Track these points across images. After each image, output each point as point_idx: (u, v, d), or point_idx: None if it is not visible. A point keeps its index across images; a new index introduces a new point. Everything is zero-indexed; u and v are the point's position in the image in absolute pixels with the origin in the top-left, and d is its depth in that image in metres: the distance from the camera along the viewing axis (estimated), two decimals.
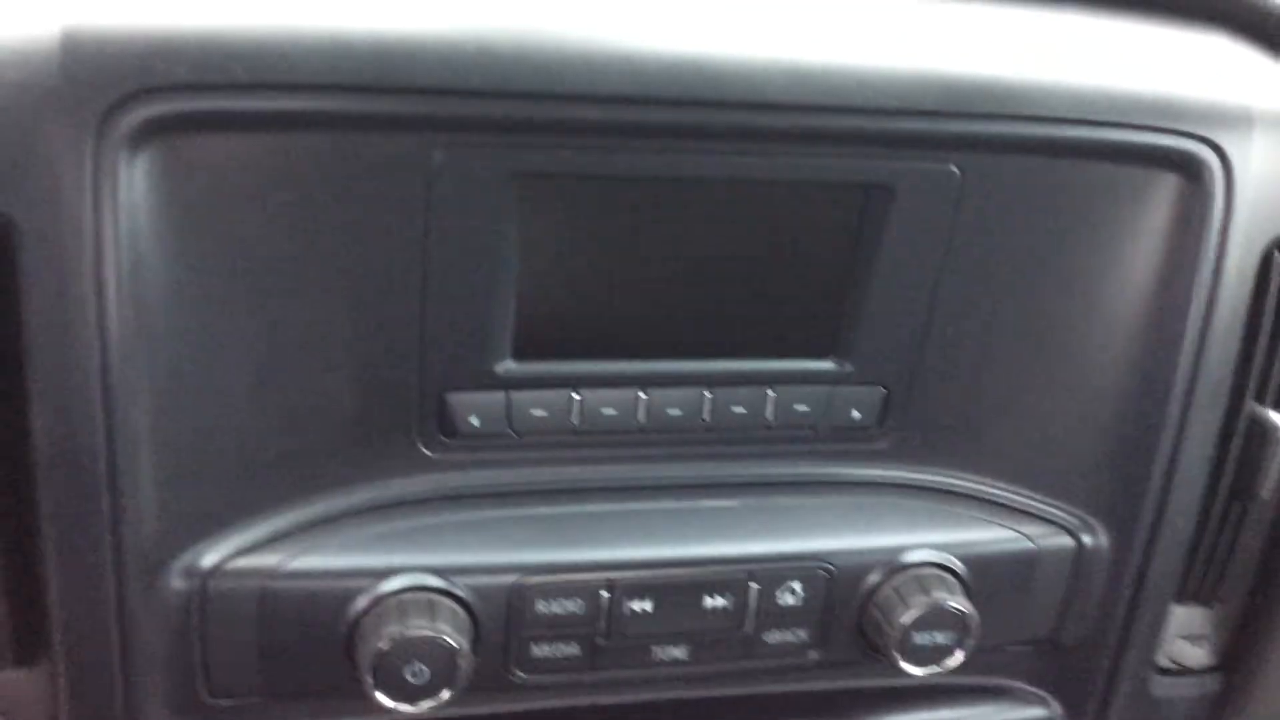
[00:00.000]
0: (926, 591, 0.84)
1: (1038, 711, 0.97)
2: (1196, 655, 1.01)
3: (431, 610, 0.76)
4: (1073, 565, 0.91)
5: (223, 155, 0.68)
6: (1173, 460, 0.88)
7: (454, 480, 0.82)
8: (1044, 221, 0.82)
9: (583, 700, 0.88)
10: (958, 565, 0.87)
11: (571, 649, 0.82)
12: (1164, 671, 0.99)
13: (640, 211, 0.77)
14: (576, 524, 0.83)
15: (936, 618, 0.84)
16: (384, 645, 0.75)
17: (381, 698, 0.76)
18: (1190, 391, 0.86)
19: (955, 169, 0.78)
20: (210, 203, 0.69)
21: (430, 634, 0.75)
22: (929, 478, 0.90)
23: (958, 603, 0.84)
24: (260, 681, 0.78)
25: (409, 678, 0.76)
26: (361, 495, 0.80)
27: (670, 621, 0.83)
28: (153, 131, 0.65)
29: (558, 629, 0.81)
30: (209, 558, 0.76)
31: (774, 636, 0.86)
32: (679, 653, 0.84)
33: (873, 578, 0.85)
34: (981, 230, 0.81)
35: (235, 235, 0.71)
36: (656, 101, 0.71)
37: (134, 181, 0.66)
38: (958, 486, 0.90)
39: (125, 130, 0.64)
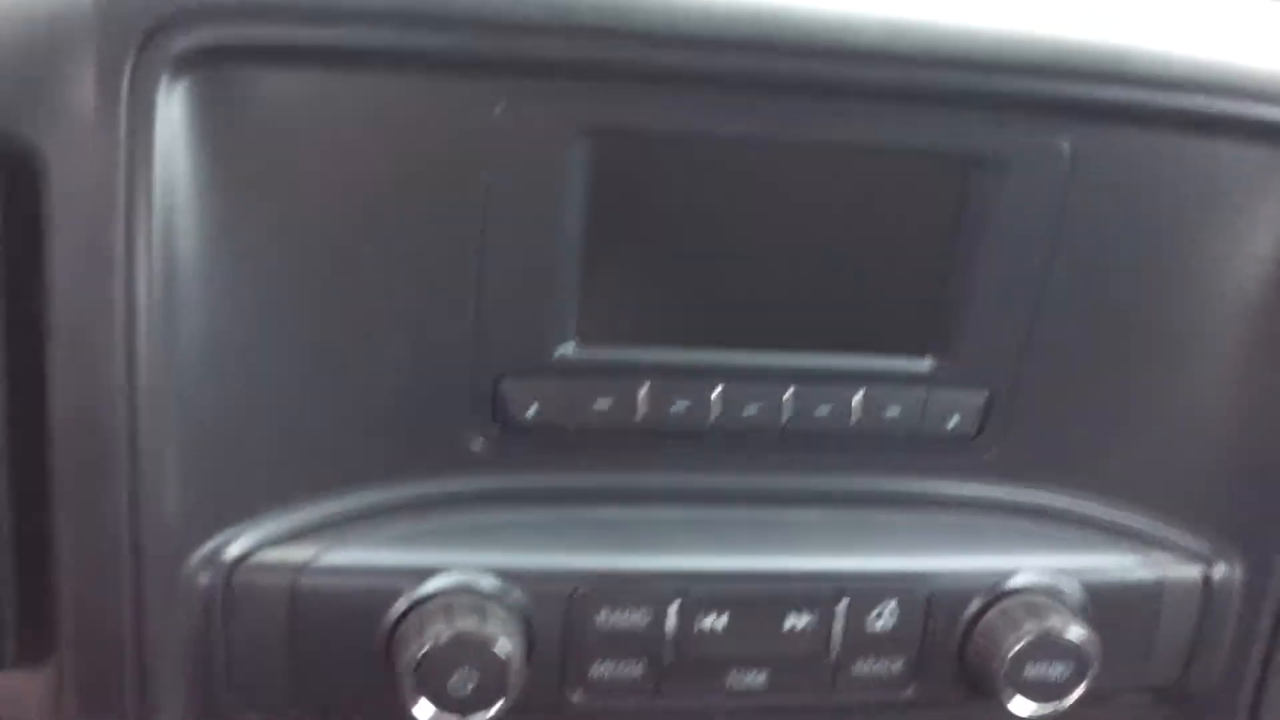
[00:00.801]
0: (1040, 617, 0.74)
1: None
2: None
3: (482, 614, 0.68)
4: (1202, 599, 0.80)
5: (266, 95, 0.63)
6: None
7: (508, 478, 0.74)
8: (1163, 206, 0.74)
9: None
10: (1074, 591, 0.77)
11: (635, 669, 0.73)
12: None
13: (722, 180, 0.70)
14: (643, 530, 0.74)
15: (1051, 647, 0.74)
16: (427, 647, 0.67)
17: (423, 707, 0.67)
18: None
19: (1066, 143, 0.71)
20: (251, 149, 0.64)
21: (480, 636, 0.67)
22: (1036, 498, 0.80)
23: (1077, 630, 0.74)
24: (289, 690, 0.70)
25: (454, 686, 0.67)
26: (406, 489, 0.73)
27: (747, 642, 0.74)
28: (193, 61, 0.60)
29: (621, 645, 0.72)
30: (235, 548, 0.69)
31: (864, 667, 0.76)
32: (756, 680, 0.75)
33: (978, 602, 0.76)
34: (1095, 214, 0.73)
35: (276, 187, 0.65)
36: (741, 46, 0.64)
37: (171, 116, 0.61)
38: (1070, 508, 0.80)
39: (164, 57, 0.59)
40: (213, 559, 0.68)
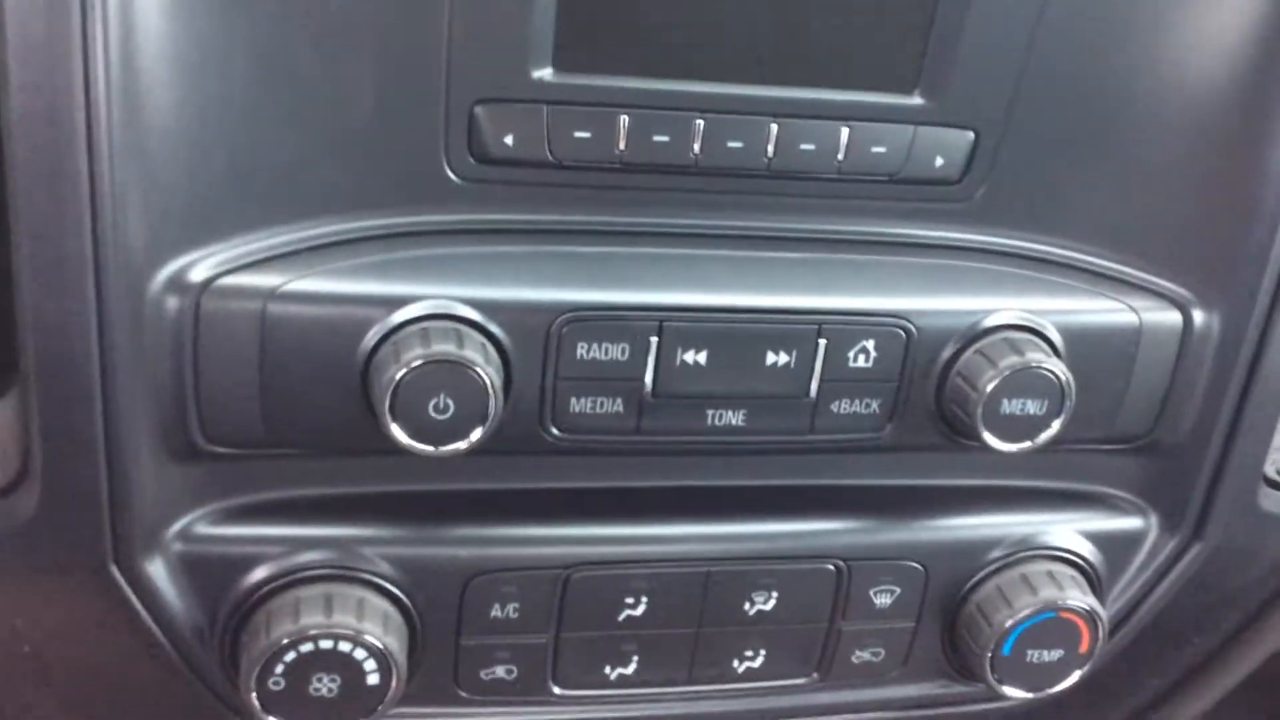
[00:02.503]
0: (1019, 352, 0.74)
1: (1133, 522, 0.87)
2: None
3: (459, 340, 0.67)
4: (1179, 346, 0.80)
5: None
6: None
7: (486, 211, 0.72)
8: None
9: (623, 480, 0.79)
10: (1053, 332, 0.77)
11: (615, 405, 0.72)
12: (1274, 485, 0.89)
13: None
14: (624, 265, 0.73)
15: (1028, 382, 0.73)
16: (403, 371, 0.65)
17: (399, 434, 0.66)
18: None
19: None
20: None
21: (458, 360, 0.66)
22: (1019, 243, 0.79)
23: (1053, 366, 0.74)
24: (263, 423, 0.69)
25: (432, 413, 0.66)
26: (381, 219, 0.70)
27: (727, 378, 0.73)
28: None
29: (600, 379, 0.71)
30: (201, 269, 0.66)
31: (842, 406, 0.76)
32: (735, 419, 0.75)
33: (956, 341, 0.75)
34: None
35: None
36: None
37: None
38: (1053, 254, 0.79)
39: None
40: (179, 281, 0.66)
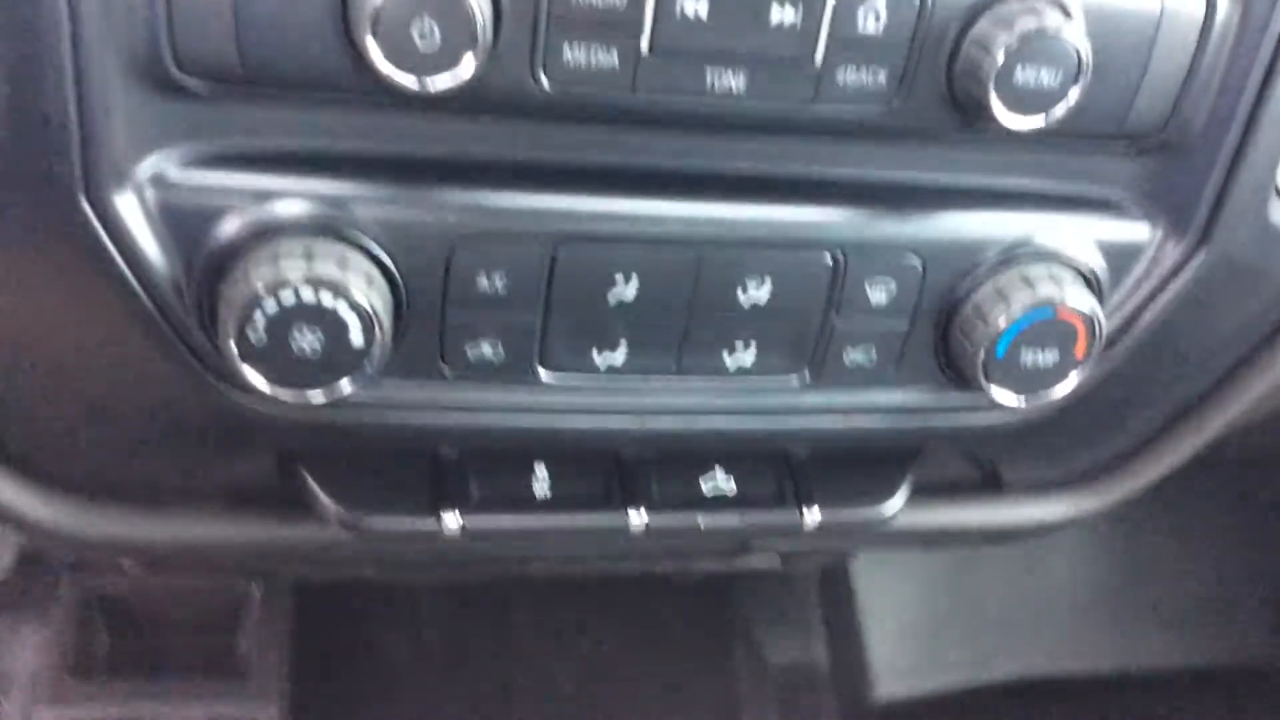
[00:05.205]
0: (1037, 15, 0.70)
1: (1138, 228, 0.84)
2: None
3: None
4: (1199, 35, 0.77)
5: None
6: None
7: None
8: None
9: (617, 155, 0.76)
10: (1072, 4, 0.73)
11: (610, 58, 0.69)
12: None
13: None
14: None
15: (1044, 49, 0.70)
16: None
17: (379, 60, 0.63)
18: None
19: None
20: None
21: None
22: None
23: (1071, 33, 0.70)
24: (238, 55, 0.65)
25: (416, 38, 0.63)
26: None
27: (728, 35, 0.69)
28: None
29: (595, 24, 0.68)
30: None
31: (848, 75, 0.72)
32: (736, 82, 0.71)
33: (971, 7, 0.71)
34: None
35: None
36: None
37: None
38: None
39: None
40: None
